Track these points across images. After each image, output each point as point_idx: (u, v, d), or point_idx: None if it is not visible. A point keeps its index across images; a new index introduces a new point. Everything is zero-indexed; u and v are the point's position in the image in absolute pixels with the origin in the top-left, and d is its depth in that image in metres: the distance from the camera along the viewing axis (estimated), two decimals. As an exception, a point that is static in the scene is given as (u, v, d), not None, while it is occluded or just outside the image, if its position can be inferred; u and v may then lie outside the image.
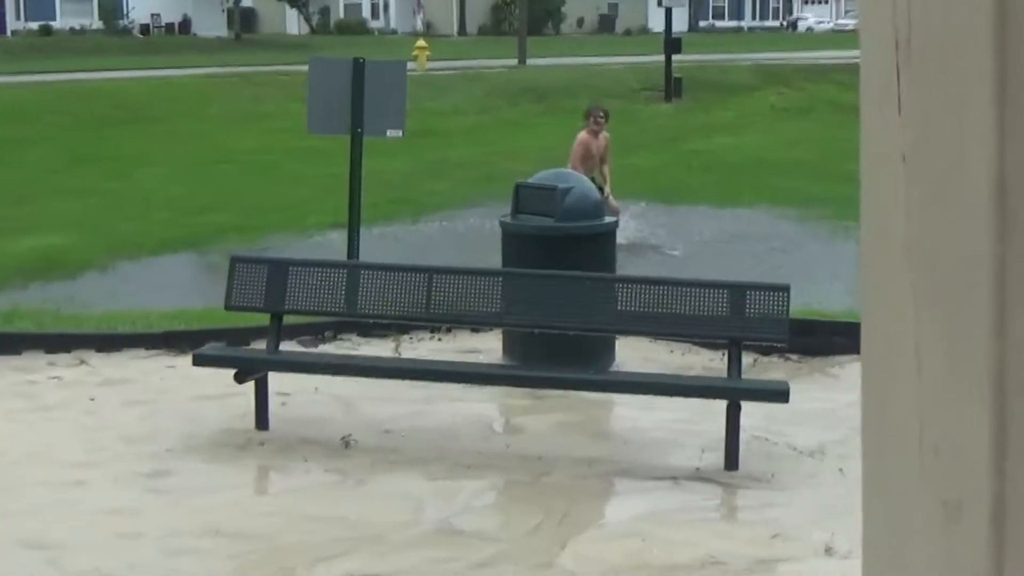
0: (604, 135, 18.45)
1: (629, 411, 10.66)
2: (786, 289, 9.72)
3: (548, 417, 10.57)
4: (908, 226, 1.42)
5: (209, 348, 10.54)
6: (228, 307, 10.48)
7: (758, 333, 9.92)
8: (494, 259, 12.26)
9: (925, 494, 1.44)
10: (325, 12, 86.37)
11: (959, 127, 1.34)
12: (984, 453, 1.36)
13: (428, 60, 50.11)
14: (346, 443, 9.80)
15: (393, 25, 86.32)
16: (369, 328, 12.27)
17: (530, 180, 12.33)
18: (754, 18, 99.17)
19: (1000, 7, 1.30)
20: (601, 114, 18.46)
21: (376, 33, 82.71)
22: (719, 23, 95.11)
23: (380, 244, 17.18)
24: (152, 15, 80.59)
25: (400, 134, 14.21)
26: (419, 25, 41.61)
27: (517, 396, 10.87)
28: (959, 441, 1.38)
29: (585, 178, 12.28)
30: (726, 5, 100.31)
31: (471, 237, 18.42)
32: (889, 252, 1.46)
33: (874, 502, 1.55)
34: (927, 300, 1.41)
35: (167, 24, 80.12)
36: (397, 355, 11.93)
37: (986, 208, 1.32)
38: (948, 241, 1.37)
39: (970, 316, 1.35)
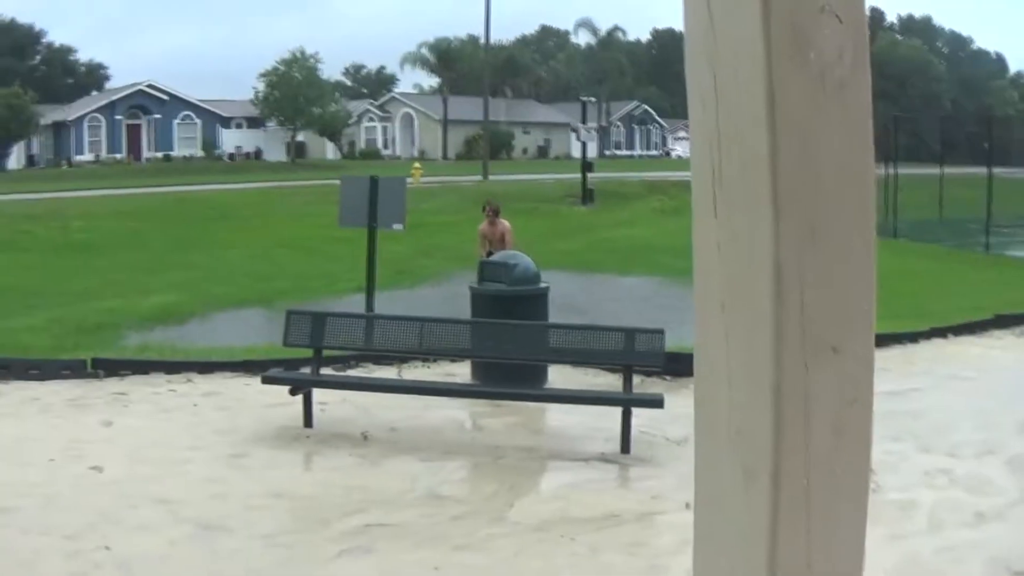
0: (503, 223, 16.24)
1: (557, 415, 10.68)
2: (662, 332, 9.82)
3: (503, 419, 10.58)
4: (721, 291, 1.50)
5: (272, 372, 10.58)
6: (285, 344, 10.52)
7: (643, 361, 9.98)
8: (465, 311, 12.30)
9: (732, 464, 1.50)
10: (352, 144, 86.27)
11: (752, 227, 1.42)
12: (768, 435, 1.43)
13: (421, 176, 50.11)
14: (365, 436, 9.81)
15: (398, 152, 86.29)
16: (381, 359, 12.29)
17: (490, 259, 12.47)
18: (642, 148, 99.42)
19: (773, 156, 1.38)
20: (489, 209, 16.43)
21: (387, 158, 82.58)
22: (618, 152, 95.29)
23: (389, 302, 17.17)
24: (236, 147, 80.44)
25: (402, 227, 14.26)
26: (584, 135, 41.31)
27: (482, 405, 10.87)
28: (753, 426, 1.45)
29: (527, 257, 12.25)
30: (623, 139, 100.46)
31: (451, 297, 18.44)
32: (711, 307, 1.53)
33: (702, 471, 1.61)
34: (735, 338, 1.48)
35: (247, 153, 79.85)
36: (400, 377, 11.97)
37: (769, 283, 1.40)
38: (746, 301, 1.45)
39: (759, 348, 1.42)
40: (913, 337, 14.97)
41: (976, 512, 8.36)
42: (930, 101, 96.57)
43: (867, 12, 1.49)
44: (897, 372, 12.88)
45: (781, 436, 1.43)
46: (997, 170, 34.18)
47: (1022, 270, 24.31)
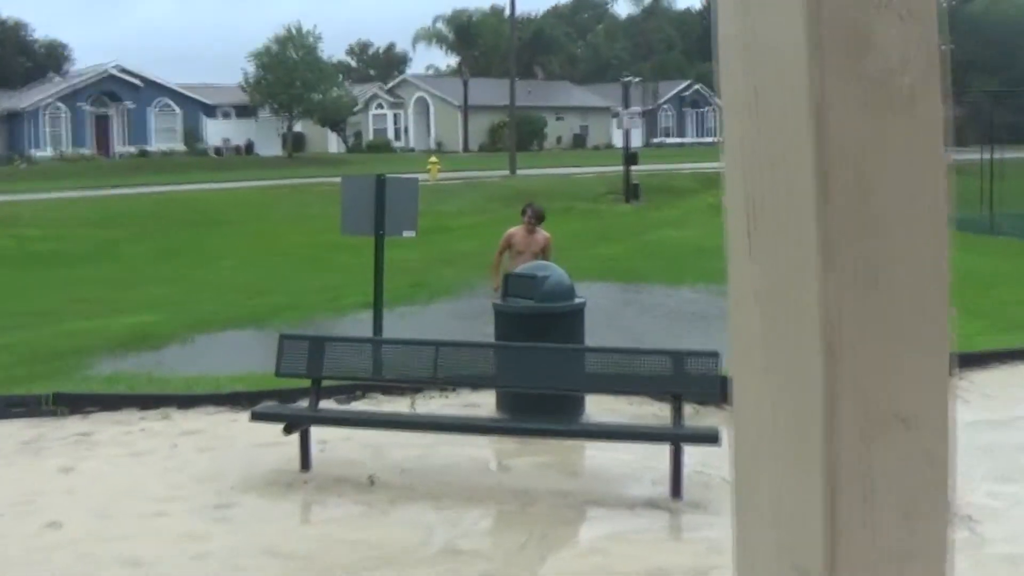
0: (543, 233, 14.89)
1: (596, 452, 10.65)
2: (716, 354, 9.74)
3: (532, 459, 10.55)
4: (761, 351, 1.43)
5: (263, 406, 10.58)
6: (279, 374, 10.52)
7: (696, 388, 9.93)
8: (491, 328, 12.26)
9: (780, 562, 1.43)
10: (358, 135, 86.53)
11: (796, 271, 1.35)
12: (822, 527, 1.36)
13: (439, 172, 50.23)
14: (372, 481, 9.79)
15: (412, 144, 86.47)
16: (391, 388, 12.27)
17: (517, 270, 12.41)
18: (696, 135, 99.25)
19: (822, 184, 1.31)
20: (531, 213, 14.91)
21: (399, 151, 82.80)
22: (668, 139, 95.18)
23: (401, 320, 17.17)
24: (223, 139, 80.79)
25: (414, 234, 14.24)
26: (626, 122, 41.05)
27: (507, 442, 10.86)
28: (804, 517, 1.38)
29: (559, 268, 12.18)
30: (674, 124, 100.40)
31: (475, 314, 18.38)
32: (750, 370, 1.46)
33: (744, 569, 1.54)
34: (780, 407, 1.42)
35: (235, 146, 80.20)
36: (413, 410, 11.95)
37: (818, 340, 1.33)
38: (791, 363, 1.38)
39: (809, 421, 1.36)
40: (1021, 354, 14.80)
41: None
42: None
43: (938, 5, 1.42)
44: (1003, 397, 12.76)
45: (838, 529, 1.37)
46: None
47: None
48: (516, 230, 15.02)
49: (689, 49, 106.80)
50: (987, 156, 33.74)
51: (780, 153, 1.38)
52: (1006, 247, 28.19)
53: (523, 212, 15.25)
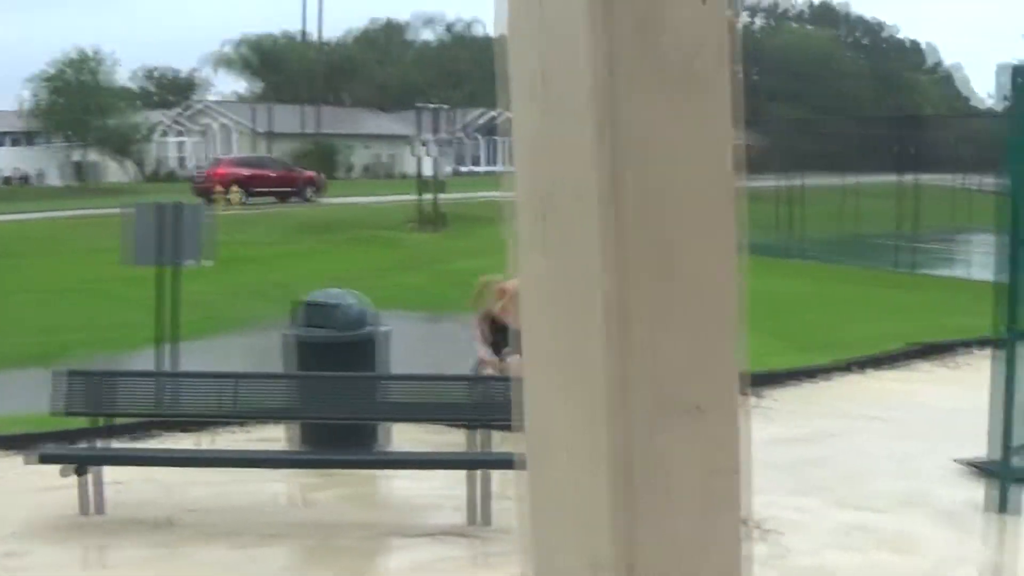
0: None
1: (400, 482, 10.59)
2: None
3: (335, 491, 10.44)
4: (553, 342, 1.42)
5: (50, 448, 10.27)
6: (52, 412, 10.10)
7: (497, 415, 9.92)
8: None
9: (577, 557, 1.42)
10: (157, 162, 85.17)
11: (584, 259, 1.35)
12: (617, 520, 1.36)
13: (240, 200, 49.56)
14: (169, 522, 9.57)
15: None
16: (187, 424, 12.03)
17: (315, 298, 12.25)
18: (505, 163, 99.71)
19: (612, 170, 1.31)
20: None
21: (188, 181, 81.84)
22: (476, 168, 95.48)
23: (197, 354, 16.85)
24: (14, 168, 78.81)
25: (209, 263, 14.00)
26: (419, 150, 40.66)
27: (309, 475, 10.72)
28: (598, 510, 1.38)
29: (356, 293, 12.07)
30: (484, 152, 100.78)
31: (273, 346, 18.13)
32: (540, 363, 1.45)
33: (541, 566, 1.53)
34: (571, 401, 1.41)
35: (23, 176, 78.33)
36: (211, 446, 11.74)
37: (605, 329, 1.33)
38: (582, 355, 1.38)
39: (600, 413, 1.35)
40: (822, 372, 15.21)
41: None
42: (844, 100, 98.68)
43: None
44: (803, 414, 13.10)
45: (632, 520, 1.36)
46: (921, 177, 35.02)
47: (949, 291, 24.90)
48: (490, 314, 12.50)
49: (496, 77, 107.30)
50: (790, 183, 34.66)
51: (568, 140, 1.37)
52: (808, 271, 28.93)
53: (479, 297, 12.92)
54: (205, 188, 51.80)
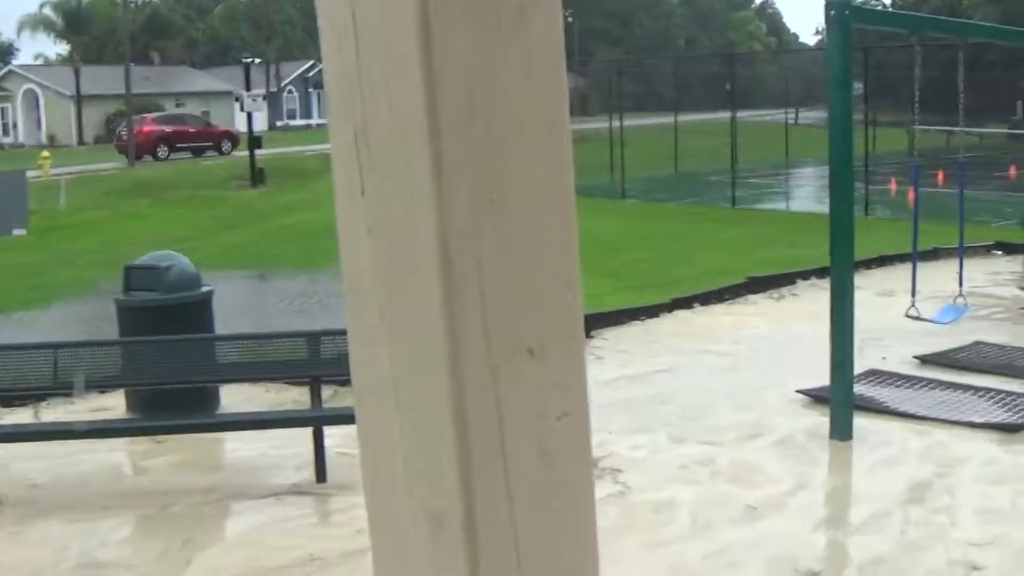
0: None
1: (236, 444, 10.48)
2: (352, 332, 9.72)
3: (169, 458, 10.28)
4: (378, 291, 1.37)
5: None
6: None
7: (333, 370, 9.88)
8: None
9: (413, 510, 1.39)
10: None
11: (410, 202, 1.30)
12: (454, 470, 1.32)
13: (51, 167, 48.50)
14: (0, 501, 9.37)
15: (22, 140, 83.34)
16: (11, 399, 11.73)
17: (137, 262, 12.02)
18: (322, 116, 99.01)
19: (433, 108, 1.26)
20: None
21: (6, 148, 79.62)
22: (293, 122, 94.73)
23: (20, 327, 16.51)
24: None
25: (24, 232, 13.69)
26: (248, 104, 40.08)
27: (142, 443, 10.54)
28: (434, 460, 1.34)
29: (182, 257, 11.88)
30: (299, 106, 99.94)
31: (101, 314, 17.77)
32: (366, 314, 1.40)
33: (376, 522, 1.49)
34: (400, 350, 1.36)
35: None
36: (37, 420, 11.47)
37: (437, 273, 1.28)
38: (410, 301, 1.33)
39: (431, 360, 1.31)
40: (655, 310, 15.41)
41: (747, 506, 8.65)
42: (661, 41, 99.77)
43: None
44: (639, 352, 13.26)
45: (470, 469, 1.32)
46: (741, 114, 35.65)
47: (773, 225, 25.46)
48: None
49: (311, 27, 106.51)
50: (615, 124, 35.03)
51: (386, 76, 1.31)
52: (635, 210, 29.29)
53: None
54: (127, 146, 54.13)
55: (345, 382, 10.96)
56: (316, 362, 9.75)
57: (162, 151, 56.92)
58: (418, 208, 1.28)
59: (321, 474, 9.33)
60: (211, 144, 59.66)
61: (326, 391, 10.17)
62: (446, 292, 1.28)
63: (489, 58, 1.29)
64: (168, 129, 58.82)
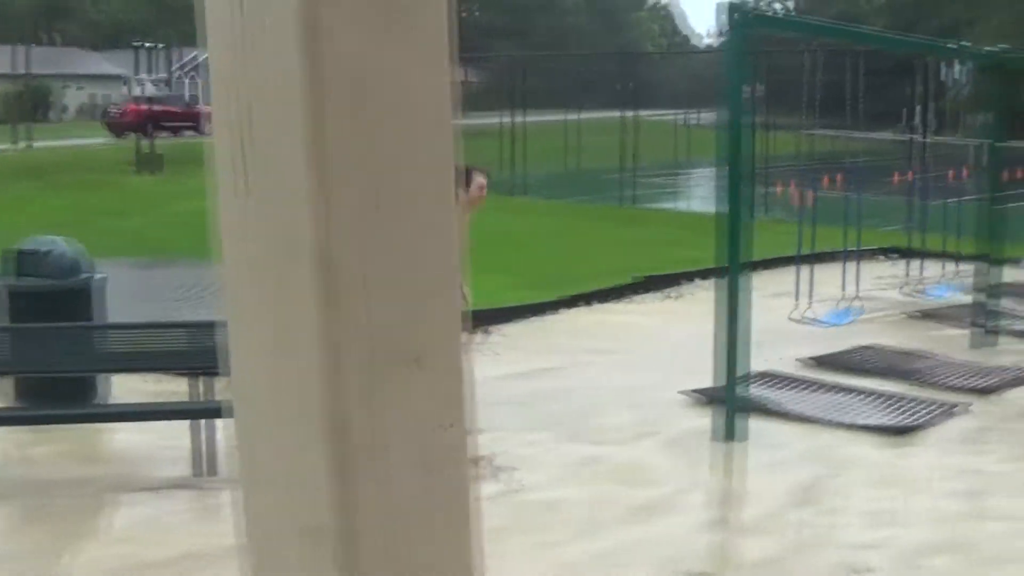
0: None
1: (122, 435, 10.29)
2: (244, 324, 9.63)
3: (52, 448, 10.06)
4: (257, 295, 1.33)
5: None
6: None
7: (217, 361, 9.74)
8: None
9: (289, 522, 1.35)
10: None
11: (291, 203, 1.26)
12: (332, 482, 1.28)
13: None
14: None
15: None
16: None
17: (23, 246, 11.80)
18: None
19: (317, 106, 1.22)
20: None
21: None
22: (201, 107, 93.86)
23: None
24: None
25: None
26: (137, 89, 39.20)
27: (25, 433, 10.31)
28: (311, 472, 1.30)
29: (70, 240, 11.66)
30: (201, 92, 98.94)
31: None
32: (244, 319, 1.36)
33: (252, 531, 1.44)
34: (279, 357, 1.32)
35: None
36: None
37: (317, 278, 1.24)
38: (290, 307, 1.29)
39: (310, 369, 1.27)
40: (551, 308, 15.42)
41: (636, 506, 8.67)
42: (562, 38, 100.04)
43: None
44: (533, 349, 13.27)
45: (349, 482, 1.29)
46: (639, 113, 35.84)
47: (669, 224, 25.61)
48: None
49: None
50: (516, 120, 35.06)
51: (270, 72, 1.27)
52: (533, 207, 29.32)
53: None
54: (119, 124, 57.53)
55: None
56: (201, 353, 9.59)
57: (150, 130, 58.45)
58: (301, 210, 1.25)
59: (211, 467, 9.19)
60: (194, 124, 60.75)
61: (219, 383, 10.05)
62: (328, 299, 1.24)
63: (377, 54, 1.25)
64: (157, 108, 59.76)
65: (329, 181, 1.25)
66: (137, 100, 61.69)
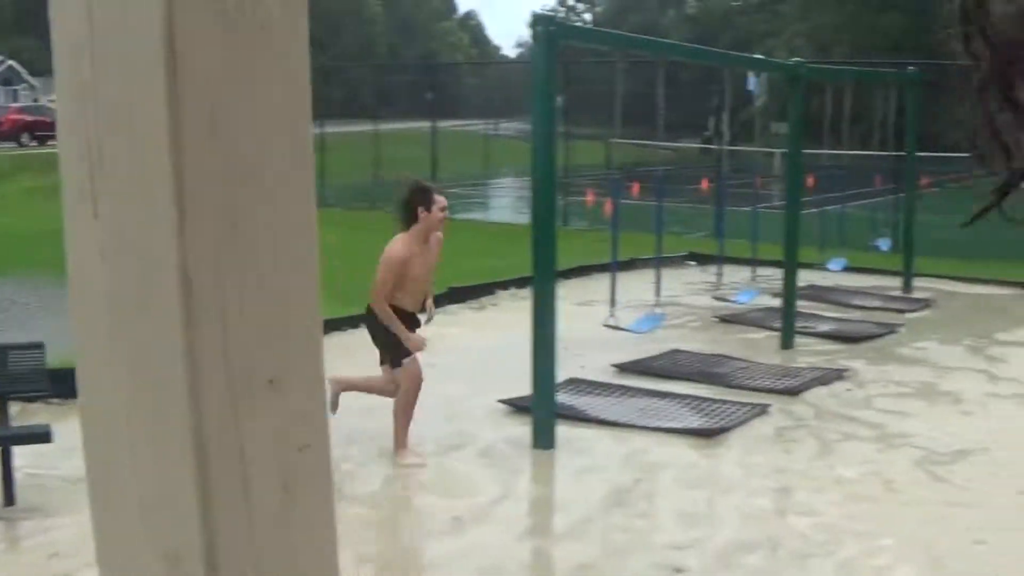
0: (437, 236, 10.69)
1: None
2: (41, 345, 9.40)
3: None
4: (111, 319, 1.31)
5: None
6: None
7: (20, 387, 9.50)
8: None
9: (148, 549, 1.33)
10: None
11: (148, 225, 1.24)
12: (193, 507, 1.27)
13: None
14: None
15: None
16: None
17: None
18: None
19: (174, 125, 1.21)
20: (433, 200, 10.43)
21: None
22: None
23: None
24: None
25: None
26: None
27: None
28: (171, 497, 1.28)
29: None
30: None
31: None
32: (97, 344, 1.34)
33: (106, 559, 1.42)
34: (135, 382, 1.30)
35: None
36: None
37: (176, 301, 1.23)
38: (146, 330, 1.27)
39: (169, 393, 1.26)
40: (353, 323, 15.35)
41: (453, 517, 8.70)
42: (365, 48, 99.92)
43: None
44: (343, 364, 13.16)
45: (211, 506, 1.28)
46: (443, 124, 35.95)
47: (474, 235, 25.69)
48: (407, 242, 10.75)
49: (4, 22, 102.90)
50: (317, 130, 34.90)
51: (124, 90, 1.25)
52: (334, 218, 29.20)
53: (416, 203, 10.46)
54: None
55: (34, 399, 10.57)
56: (2, 376, 9.32)
57: (25, 139, 60.91)
58: (158, 232, 1.23)
59: (9, 497, 8.93)
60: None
61: (14, 408, 9.79)
62: (186, 320, 1.23)
63: (234, 75, 1.25)
64: (29, 118, 62.25)
65: (187, 205, 1.24)
66: (9, 111, 64.24)
